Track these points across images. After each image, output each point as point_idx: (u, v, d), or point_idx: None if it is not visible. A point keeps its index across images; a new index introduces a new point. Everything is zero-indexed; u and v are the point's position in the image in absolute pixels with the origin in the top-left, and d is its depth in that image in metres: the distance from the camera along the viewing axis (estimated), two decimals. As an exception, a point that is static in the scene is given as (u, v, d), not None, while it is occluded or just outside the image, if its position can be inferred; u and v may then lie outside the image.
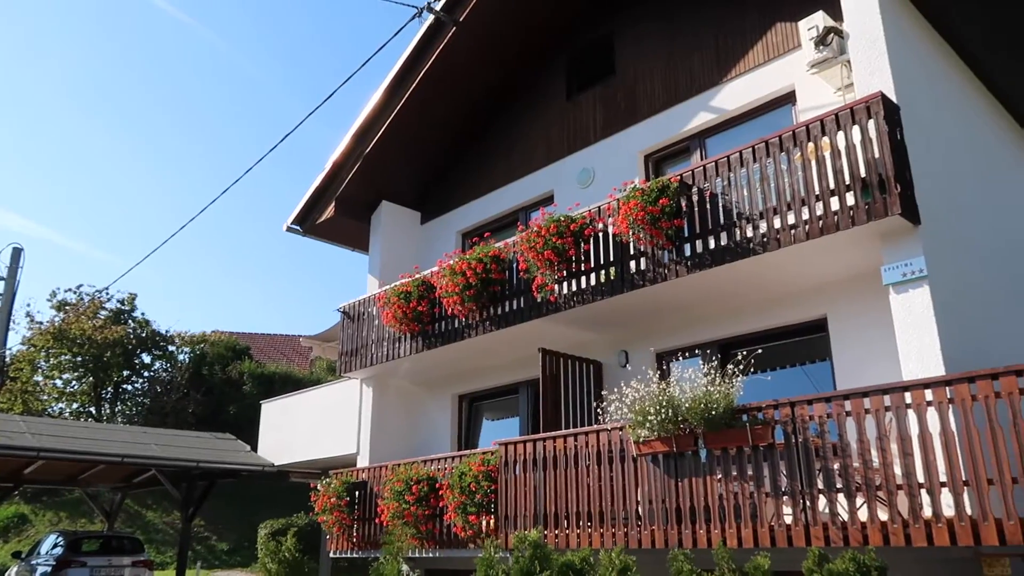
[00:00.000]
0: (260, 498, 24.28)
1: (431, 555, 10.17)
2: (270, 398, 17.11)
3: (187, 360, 29.21)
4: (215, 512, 23.54)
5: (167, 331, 29.15)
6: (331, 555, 11.95)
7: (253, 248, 70.71)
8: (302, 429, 15.10)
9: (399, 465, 10.70)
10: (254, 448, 16.50)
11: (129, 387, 28.46)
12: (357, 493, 11.40)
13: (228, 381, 28.27)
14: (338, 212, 13.85)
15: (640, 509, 7.49)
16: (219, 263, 67.71)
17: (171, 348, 29.24)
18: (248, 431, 18.60)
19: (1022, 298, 9.34)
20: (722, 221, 8.06)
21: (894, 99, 7.44)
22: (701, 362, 8.46)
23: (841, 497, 6.30)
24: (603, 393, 8.15)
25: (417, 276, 11.30)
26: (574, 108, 12.22)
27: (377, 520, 10.67)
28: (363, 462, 12.53)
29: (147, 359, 28.73)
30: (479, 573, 3.47)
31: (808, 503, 6.41)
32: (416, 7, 11.37)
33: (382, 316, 11.78)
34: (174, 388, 27.23)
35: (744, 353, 7.53)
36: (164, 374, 28.38)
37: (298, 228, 14.46)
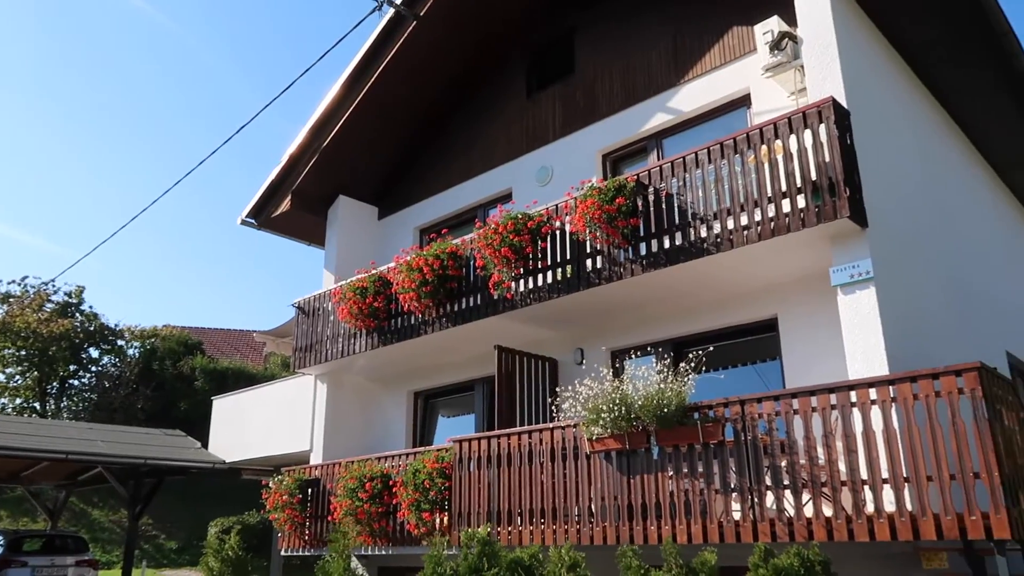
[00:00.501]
0: (212, 496, 23.86)
1: (384, 552, 10.12)
2: (222, 394, 16.82)
3: (137, 355, 28.56)
4: (165, 510, 23.07)
5: (116, 325, 28.53)
6: (282, 553, 11.81)
7: (207, 241, 69.42)
8: (255, 426, 14.86)
9: (353, 462, 10.60)
10: (205, 445, 16.20)
11: (76, 382, 27.74)
12: (310, 490, 11.27)
13: (179, 376, 27.71)
14: (294, 206, 13.67)
15: (593, 506, 7.55)
16: (172, 256, 66.33)
17: (120, 342, 28.60)
18: (200, 427, 18.26)
19: (965, 301, 9.63)
20: (677, 221, 8.15)
21: (845, 104, 7.60)
22: (655, 360, 8.55)
23: (788, 493, 6.42)
24: (558, 390, 8.18)
25: (373, 272, 11.21)
26: (534, 106, 12.24)
27: (330, 518, 10.56)
28: (316, 459, 12.40)
29: (95, 353, 28.06)
30: (427, 569, 3.44)
31: (756, 499, 6.52)
32: (376, 0, 11.28)
33: (337, 312, 11.66)
34: (123, 383, 26.59)
35: (697, 352, 7.63)
36: (112, 369, 27.71)
37: (253, 221, 14.23)
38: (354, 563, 11.76)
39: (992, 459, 5.50)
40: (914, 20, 9.24)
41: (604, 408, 7.24)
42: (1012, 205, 13.29)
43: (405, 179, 14.09)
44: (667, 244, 8.17)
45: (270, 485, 11.45)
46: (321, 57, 10.17)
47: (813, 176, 7.30)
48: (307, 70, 10.32)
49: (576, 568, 4.29)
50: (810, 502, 6.35)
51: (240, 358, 31.61)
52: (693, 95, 10.06)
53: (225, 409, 16.04)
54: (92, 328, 27.50)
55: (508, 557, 4.07)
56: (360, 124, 13.09)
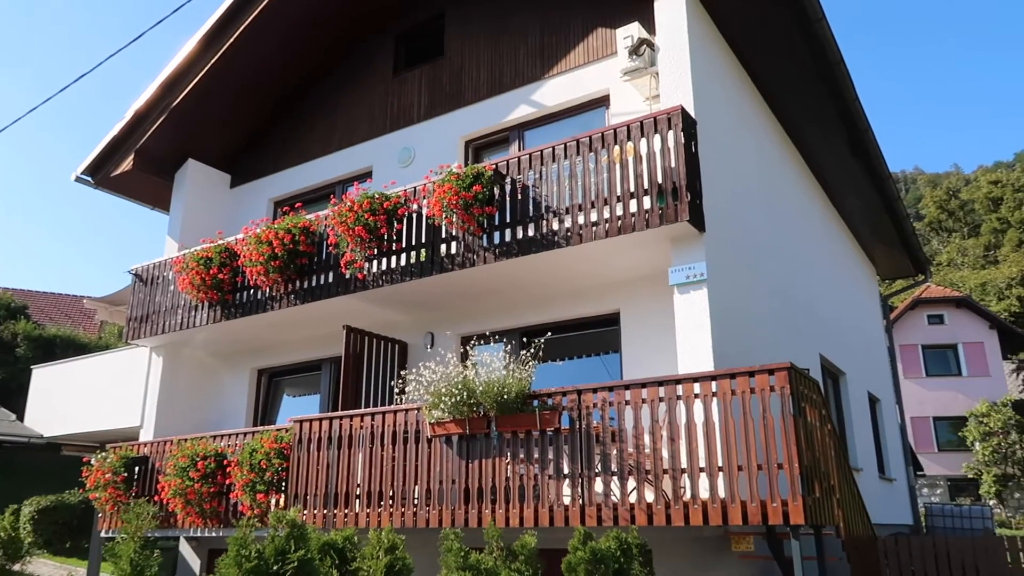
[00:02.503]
0: (30, 473, 21.95)
1: (215, 534, 9.73)
2: (45, 363, 15.53)
3: (-52, 316, 25.77)
4: (-29, 487, 21.05)
5: (-76, 282, 25.60)
6: (103, 535, 11.08)
7: (38, 199, 63.75)
8: (80, 398, 13.85)
9: (185, 440, 10.10)
10: (21, 418, 14.92)
11: None
12: (137, 469, 10.63)
13: (-2, 342, 25.26)
14: (137, 166, 12.77)
15: (431, 489, 7.59)
16: (-2, 210, 60.37)
17: (-72, 302, 25.69)
18: (18, 399, 16.77)
19: (788, 306, 10.44)
20: (531, 213, 8.31)
21: (693, 114, 8.02)
22: (503, 348, 8.69)
23: (615, 480, 6.74)
24: (402, 373, 8.15)
25: (220, 242, 10.70)
26: (400, 85, 12.05)
27: (157, 498, 10.02)
28: (147, 436, 11.72)
29: None
30: (230, 552, 3.31)
31: (586, 485, 6.79)
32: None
33: (178, 282, 11.04)
34: (-71, 347, 23.93)
35: (538, 341, 7.83)
36: (-83, 331, 24.86)
37: (89, 179, 13.19)
38: (183, 547, 11.26)
39: (794, 451, 6.00)
40: (759, 44, 9.87)
41: (446, 392, 7.29)
42: (839, 224, 14.53)
43: (262, 148, 13.50)
44: (520, 235, 8.32)
45: (92, 462, 10.71)
46: (175, 10, 9.51)
47: (659, 179, 7.65)
48: (160, 22, 9.64)
49: (394, 551, 4.29)
50: (635, 489, 6.69)
51: (72, 326, 29.24)
52: (556, 90, 10.26)
53: (46, 379, 14.86)
54: None
55: (320, 539, 4.01)
56: (216, 85, 12.40)
